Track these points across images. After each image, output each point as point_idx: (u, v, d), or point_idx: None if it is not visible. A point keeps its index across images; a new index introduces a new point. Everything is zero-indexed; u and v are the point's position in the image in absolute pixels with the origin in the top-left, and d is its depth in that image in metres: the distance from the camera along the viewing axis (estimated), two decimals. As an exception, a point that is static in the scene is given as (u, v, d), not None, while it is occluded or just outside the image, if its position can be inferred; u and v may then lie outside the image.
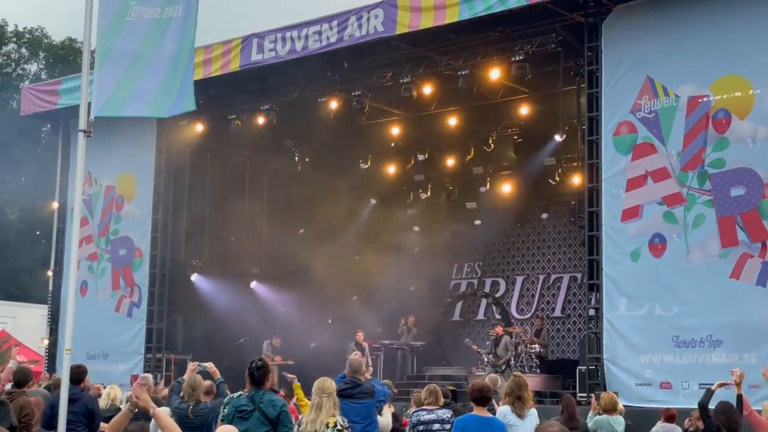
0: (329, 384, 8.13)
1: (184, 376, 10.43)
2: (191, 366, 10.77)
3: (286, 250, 23.79)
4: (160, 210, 22.04)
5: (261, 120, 21.54)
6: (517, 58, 18.16)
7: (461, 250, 26.38)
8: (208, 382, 10.51)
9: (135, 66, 8.17)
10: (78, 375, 10.64)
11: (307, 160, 25.22)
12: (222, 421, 8.15)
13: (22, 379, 11.04)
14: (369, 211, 26.22)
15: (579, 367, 16.46)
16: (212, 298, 23.26)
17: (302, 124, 22.23)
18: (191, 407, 9.71)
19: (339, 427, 7.94)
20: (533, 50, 17.96)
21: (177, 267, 22.72)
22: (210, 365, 10.89)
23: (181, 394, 10.00)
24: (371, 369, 15.07)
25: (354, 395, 9.78)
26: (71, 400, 9.99)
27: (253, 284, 24.69)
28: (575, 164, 20.57)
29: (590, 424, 12.26)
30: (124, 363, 21.45)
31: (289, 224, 24.39)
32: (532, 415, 9.14)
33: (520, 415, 9.05)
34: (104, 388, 13.17)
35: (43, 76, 46.46)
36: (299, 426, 8.01)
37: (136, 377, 17.96)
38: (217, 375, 10.63)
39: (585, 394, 15.48)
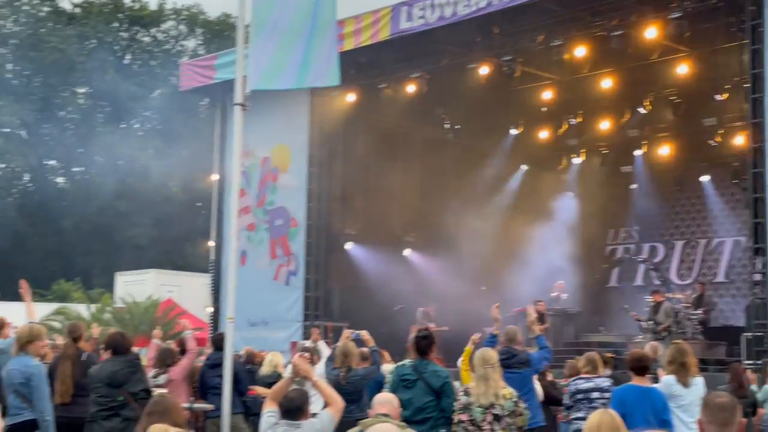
0: (491, 354, 8.06)
1: (338, 344, 10.61)
2: (345, 333, 10.92)
3: (438, 218, 23.82)
4: (315, 180, 22.41)
5: (411, 88, 21.55)
6: (675, 16, 17.54)
7: (617, 215, 25.87)
8: (364, 349, 10.64)
9: (287, 39, 8.26)
10: (221, 342, 10.99)
11: (457, 127, 25.09)
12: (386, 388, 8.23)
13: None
14: (520, 176, 25.96)
15: (744, 335, 15.92)
16: (367, 266, 23.51)
17: (452, 90, 22.14)
18: (343, 374, 9.85)
19: (514, 399, 7.88)
20: (692, 6, 17.31)
21: (332, 236, 23.08)
22: (364, 333, 11.02)
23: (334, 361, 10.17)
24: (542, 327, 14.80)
25: (511, 365, 9.69)
26: (218, 365, 10.35)
27: (407, 252, 24.83)
28: (738, 124, 19.81)
29: (759, 394, 11.83)
30: (283, 330, 21.96)
31: (441, 191, 24.38)
32: (698, 383, 8.78)
33: (685, 384, 8.71)
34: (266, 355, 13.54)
35: (200, 52, 47.85)
36: (467, 397, 7.96)
37: (295, 344, 18.38)
38: (371, 343, 10.74)
39: (751, 362, 14.92)
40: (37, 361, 8.31)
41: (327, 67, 8.28)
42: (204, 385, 11.27)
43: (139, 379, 8.79)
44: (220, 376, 10.34)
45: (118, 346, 9.01)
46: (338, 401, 7.11)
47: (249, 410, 11.18)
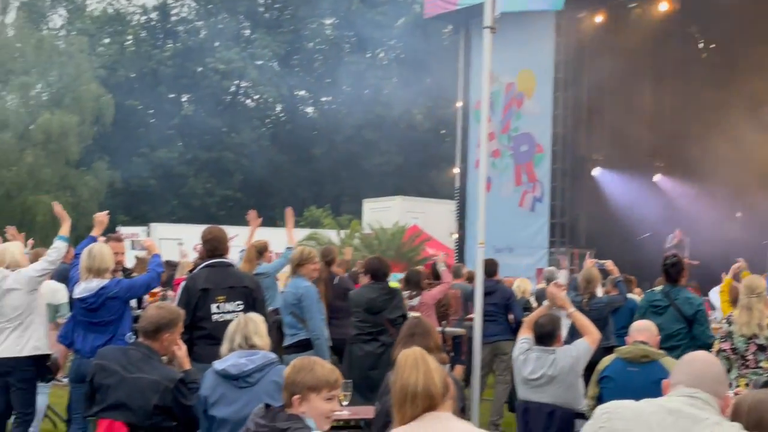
0: (759, 284, 7.68)
1: (581, 272, 10.47)
2: (589, 261, 10.76)
3: (689, 141, 22.81)
4: (560, 105, 22.03)
5: (663, 6, 20.66)
6: None
7: None
8: (610, 277, 10.48)
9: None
10: (491, 268, 11.05)
11: (712, 45, 23.82)
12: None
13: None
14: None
15: None
16: (614, 192, 22.98)
17: (706, 8, 20.97)
18: (586, 300, 9.74)
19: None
20: None
21: (578, 161, 22.68)
22: (609, 263, 10.79)
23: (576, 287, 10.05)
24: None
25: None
26: (488, 293, 10.42)
27: (656, 177, 24.04)
28: None
29: None
30: (528, 257, 21.93)
31: (693, 114, 23.29)
32: None
33: None
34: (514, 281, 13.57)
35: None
36: (729, 326, 7.66)
37: (541, 271, 18.29)
38: (616, 273, 10.50)
39: None
40: (309, 282, 8.61)
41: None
42: (468, 310, 11.46)
43: (397, 306, 8.92)
44: (494, 303, 10.50)
45: (376, 271, 9.20)
46: (594, 332, 7.03)
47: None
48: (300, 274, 8.64)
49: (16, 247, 7.98)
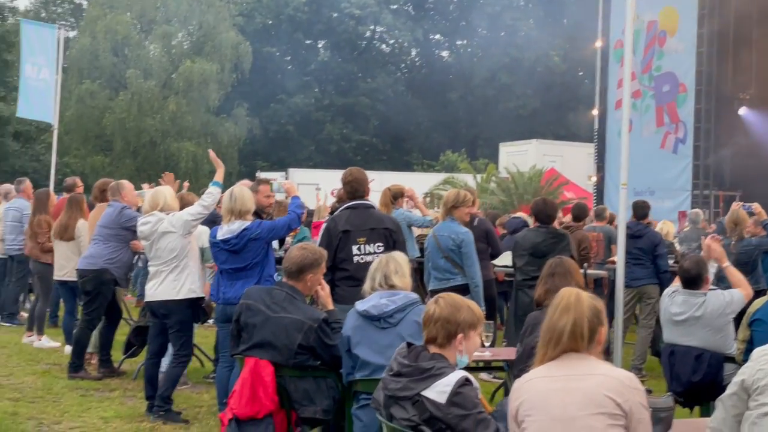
0: None
1: (728, 214, 10.18)
2: (735, 204, 10.44)
3: None
4: (705, 43, 21.22)
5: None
6: None
7: None
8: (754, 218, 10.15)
9: None
10: (643, 210, 10.78)
11: None
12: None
13: (579, 213, 11.47)
14: None
15: None
16: (761, 132, 22.07)
17: None
18: (734, 243, 9.47)
19: None
20: None
21: (723, 101, 21.84)
22: (756, 206, 10.41)
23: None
24: None
25: None
26: (636, 236, 10.19)
27: (808, 117, 22.95)
28: None
29: None
30: (670, 199, 21.36)
31: None
32: None
33: None
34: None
35: None
36: None
37: (684, 214, 17.80)
38: (763, 216, 10.12)
39: None
40: (464, 226, 8.49)
41: None
42: (611, 253, 11.24)
43: (564, 249, 8.61)
44: (640, 248, 10.27)
45: (540, 213, 9.04)
46: (748, 288, 6.92)
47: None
48: (453, 217, 8.55)
49: (168, 191, 8.15)
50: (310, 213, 13.67)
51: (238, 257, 7.31)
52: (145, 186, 11.71)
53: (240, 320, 5.74)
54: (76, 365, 9.28)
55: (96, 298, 9.31)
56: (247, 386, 5.40)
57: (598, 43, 24.11)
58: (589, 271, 10.20)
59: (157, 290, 7.73)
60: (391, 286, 5.41)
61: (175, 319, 7.71)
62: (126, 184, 9.61)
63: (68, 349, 10.14)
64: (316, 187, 23.86)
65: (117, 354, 9.68)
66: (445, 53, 52.12)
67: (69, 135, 37.77)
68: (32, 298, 13.60)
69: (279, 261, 8.09)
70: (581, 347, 3.70)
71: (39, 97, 17.52)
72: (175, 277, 7.70)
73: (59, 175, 17.74)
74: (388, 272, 5.46)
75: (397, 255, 5.63)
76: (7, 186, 14.27)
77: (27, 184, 13.19)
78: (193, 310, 7.83)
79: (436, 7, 50.39)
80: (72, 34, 43.13)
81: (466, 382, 3.98)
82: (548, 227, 9.01)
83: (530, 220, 10.57)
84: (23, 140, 42.02)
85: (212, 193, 7.81)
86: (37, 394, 8.47)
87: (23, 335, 11.54)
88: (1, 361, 10.10)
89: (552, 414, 3.61)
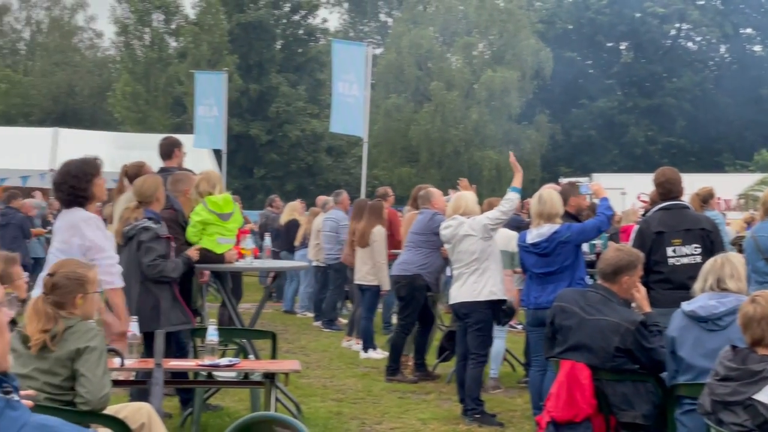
0: None
1: None
2: None
3: None
4: None
5: None
6: None
7: None
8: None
9: None
10: None
11: None
12: None
13: None
14: None
15: None
16: None
17: None
18: None
19: None
20: None
21: None
22: None
23: None
24: None
25: None
26: None
27: None
28: None
29: None
30: None
31: None
32: None
33: None
34: None
35: None
36: None
37: None
38: None
39: None
40: None
41: None
42: None
43: None
44: None
45: None
46: None
47: None
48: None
49: (470, 195, 8.33)
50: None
51: (548, 261, 7.30)
52: (450, 192, 11.95)
53: (554, 323, 5.69)
54: (393, 368, 9.61)
55: (410, 304, 9.61)
56: (564, 389, 5.35)
57: None
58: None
59: (459, 292, 7.91)
60: (724, 290, 5.17)
61: (475, 319, 7.84)
62: (435, 191, 9.88)
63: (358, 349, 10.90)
64: (621, 192, 23.32)
65: (431, 358, 9.93)
66: (757, 47, 49.33)
67: (377, 148, 39.31)
68: (349, 305, 14.28)
69: (590, 265, 7.98)
70: None
71: (350, 112, 18.32)
72: (476, 279, 7.82)
73: (369, 186, 18.41)
74: (722, 275, 5.22)
75: (734, 257, 5.39)
76: (325, 198, 15.08)
77: (344, 196, 13.85)
78: (494, 311, 7.90)
79: (746, 1, 47.84)
80: (378, 50, 45.00)
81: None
82: None
83: None
84: (335, 155, 44.27)
85: (511, 198, 7.86)
86: (358, 396, 8.85)
87: (342, 339, 12.10)
88: (323, 364, 10.63)
89: None
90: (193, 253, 7.38)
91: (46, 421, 1.69)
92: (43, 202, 18.05)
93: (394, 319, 11.59)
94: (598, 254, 8.92)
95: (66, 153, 6.72)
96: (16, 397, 1.73)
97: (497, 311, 7.97)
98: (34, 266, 13.95)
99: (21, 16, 57.71)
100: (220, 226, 7.62)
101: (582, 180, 29.46)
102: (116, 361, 5.47)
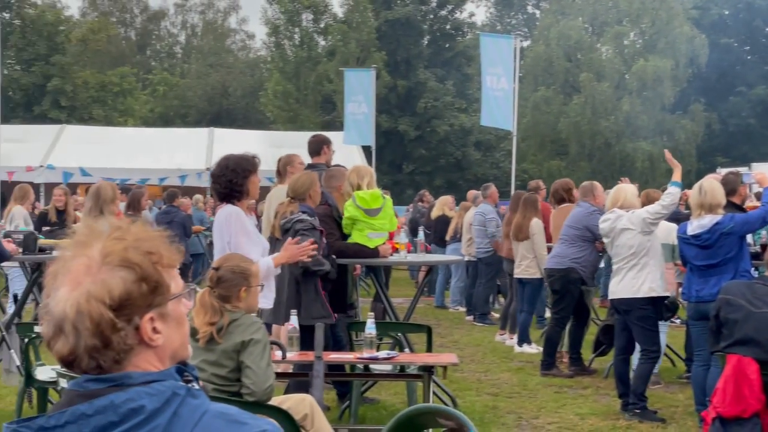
0: None
1: None
2: None
3: None
4: None
5: None
6: None
7: None
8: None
9: None
10: None
11: None
12: None
13: None
14: None
15: None
16: None
17: None
18: None
19: None
20: None
21: None
22: None
23: None
24: None
25: None
26: None
27: None
28: None
29: None
30: None
31: None
32: None
33: None
34: None
35: None
36: None
37: None
38: None
39: None
40: None
41: None
42: None
43: None
44: None
45: None
46: None
47: None
48: None
49: (630, 188, 8.13)
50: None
51: (710, 253, 7.07)
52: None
53: (719, 316, 5.51)
54: (548, 363, 9.50)
55: (564, 297, 9.48)
56: (731, 384, 5.18)
57: None
58: None
59: (618, 287, 7.74)
60: None
61: (636, 316, 7.65)
62: (598, 185, 9.71)
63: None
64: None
65: (586, 353, 9.77)
66: None
67: (525, 141, 38.94)
68: (501, 298, 14.20)
69: (754, 256, 7.69)
70: None
71: (499, 106, 18.24)
72: (635, 275, 7.63)
73: (518, 180, 18.24)
74: None
75: None
76: (475, 192, 15.04)
77: (492, 189, 13.75)
78: (655, 307, 7.67)
79: None
80: (526, 43, 44.56)
81: None
82: None
83: None
84: (484, 149, 44.11)
85: (672, 193, 7.63)
86: (514, 390, 8.78)
87: (495, 333, 12.04)
88: (477, 358, 10.60)
89: None
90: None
91: (226, 410, 1.73)
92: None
93: (548, 314, 11.45)
94: (763, 246, 8.61)
95: (221, 152, 6.85)
96: (196, 386, 1.79)
97: (659, 306, 7.76)
98: (194, 262, 14.43)
99: (177, 20, 59.91)
100: (367, 221, 7.68)
101: (741, 170, 28.47)
102: (278, 354, 5.59)
